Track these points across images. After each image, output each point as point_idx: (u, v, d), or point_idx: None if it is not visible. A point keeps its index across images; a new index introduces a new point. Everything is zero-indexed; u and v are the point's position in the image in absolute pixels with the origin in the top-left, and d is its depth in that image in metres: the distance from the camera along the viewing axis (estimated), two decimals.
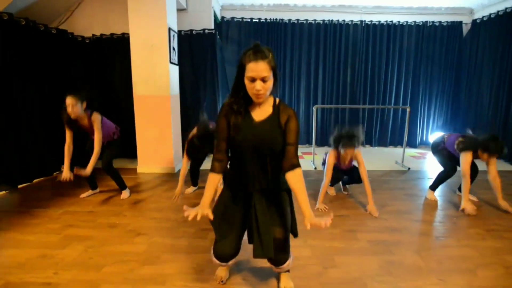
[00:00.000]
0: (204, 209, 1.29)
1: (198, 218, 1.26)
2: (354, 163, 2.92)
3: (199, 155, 3.10)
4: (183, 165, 2.79)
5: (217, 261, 1.52)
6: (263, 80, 1.22)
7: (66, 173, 2.60)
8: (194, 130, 2.69)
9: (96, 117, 2.68)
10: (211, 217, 1.30)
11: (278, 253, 1.40)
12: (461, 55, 5.71)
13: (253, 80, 1.22)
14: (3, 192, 3.16)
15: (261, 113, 1.35)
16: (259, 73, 1.20)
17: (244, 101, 1.32)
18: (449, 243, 2.15)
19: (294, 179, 1.32)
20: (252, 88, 1.24)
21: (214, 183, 1.39)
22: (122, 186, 3.04)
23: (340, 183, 3.28)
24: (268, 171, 1.38)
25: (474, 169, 2.82)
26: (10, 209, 2.78)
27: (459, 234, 2.31)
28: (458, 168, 2.80)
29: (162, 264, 1.86)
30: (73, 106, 2.53)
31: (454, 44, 5.70)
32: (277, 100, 1.38)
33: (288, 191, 1.46)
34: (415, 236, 2.26)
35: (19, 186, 3.35)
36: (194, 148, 2.69)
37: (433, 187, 3.02)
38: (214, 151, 1.40)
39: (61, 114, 2.63)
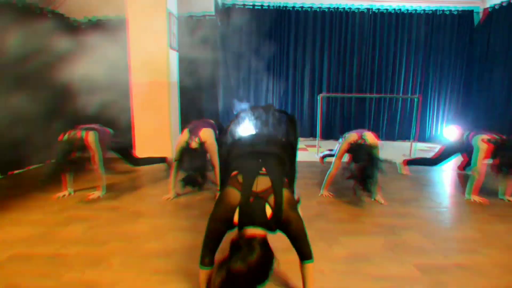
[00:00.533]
0: None
1: None
2: None
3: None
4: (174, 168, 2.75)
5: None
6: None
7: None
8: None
9: (91, 138, 2.68)
10: None
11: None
12: (472, 45, 5.87)
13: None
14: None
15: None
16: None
17: None
18: (454, 227, 2.30)
19: (304, 272, 1.37)
20: None
21: (206, 278, 1.39)
22: (162, 161, 3.51)
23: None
24: None
25: None
26: (7, 193, 2.91)
27: (464, 219, 2.45)
28: None
29: (166, 241, 1.99)
30: (89, 140, 2.68)
31: (465, 33, 5.86)
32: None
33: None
34: (421, 220, 2.39)
35: (9, 173, 3.48)
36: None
37: (410, 163, 3.36)
38: (203, 248, 1.38)
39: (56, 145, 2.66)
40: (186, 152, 2.56)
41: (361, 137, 2.68)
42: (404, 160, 3.69)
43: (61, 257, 1.78)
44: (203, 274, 1.39)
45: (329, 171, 2.89)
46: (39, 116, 3.80)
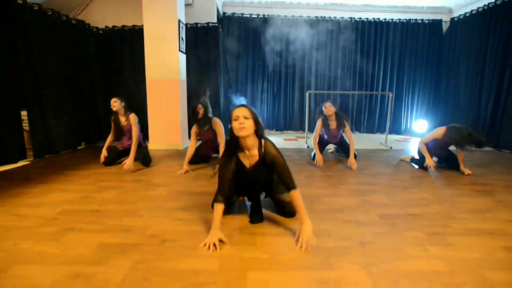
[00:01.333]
0: (217, 233, 1.62)
1: (216, 243, 1.57)
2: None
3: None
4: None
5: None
6: (244, 117, 1.65)
7: (130, 163, 3.14)
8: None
9: (133, 116, 3.34)
10: (225, 240, 1.62)
11: (290, 214, 1.97)
12: (441, 50, 6.28)
13: (236, 119, 1.66)
14: (30, 160, 3.61)
15: (250, 159, 1.80)
16: (240, 114, 1.65)
17: (236, 148, 1.77)
18: (413, 191, 2.66)
19: (292, 199, 1.73)
20: (236, 125, 1.65)
21: (220, 211, 1.71)
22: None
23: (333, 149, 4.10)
24: (263, 189, 1.98)
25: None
26: (43, 171, 3.22)
27: (423, 186, 2.82)
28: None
29: (183, 201, 2.33)
30: (114, 101, 3.29)
31: (434, 40, 6.27)
32: (263, 142, 1.75)
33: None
34: (387, 188, 2.76)
35: (46, 156, 3.79)
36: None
37: (412, 160, 3.66)
38: (217, 190, 1.75)
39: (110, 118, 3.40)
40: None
41: None
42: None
43: (101, 211, 2.11)
44: (216, 209, 1.73)
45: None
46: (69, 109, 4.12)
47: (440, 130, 3.21)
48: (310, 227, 1.66)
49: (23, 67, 3.44)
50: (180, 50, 4.33)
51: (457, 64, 5.87)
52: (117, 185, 2.72)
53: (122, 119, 3.38)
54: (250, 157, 1.81)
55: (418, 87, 6.45)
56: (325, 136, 3.73)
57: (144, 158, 3.35)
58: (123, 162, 3.19)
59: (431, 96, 6.49)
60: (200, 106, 3.21)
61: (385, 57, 6.37)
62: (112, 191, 2.54)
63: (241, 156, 1.82)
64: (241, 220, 1.99)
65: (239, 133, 1.66)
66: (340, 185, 2.79)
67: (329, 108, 3.56)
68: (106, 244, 1.65)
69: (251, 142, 1.74)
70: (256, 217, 1.92)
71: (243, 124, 1.64)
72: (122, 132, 3.43)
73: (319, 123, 3.61)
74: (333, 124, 3.62)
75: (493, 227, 1.94)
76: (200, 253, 1.57)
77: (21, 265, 1.44)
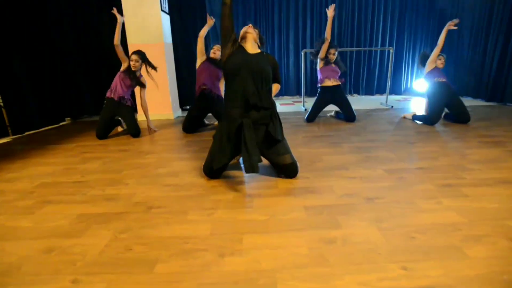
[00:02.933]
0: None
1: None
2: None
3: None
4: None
5: (207, 177, 1.88)
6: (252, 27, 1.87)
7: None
8: None
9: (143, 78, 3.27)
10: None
11: (291, 173, 1.82)
12: (444, 2, 5.83)
13: (244, 25, 1.88)
14: (10, 138, 3.37)
15: (252, 49, 1.82)
16: (249, 28, 1.86)
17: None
18: (419, 145, 2.49)
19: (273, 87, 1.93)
20: (245, 28, 1.86)
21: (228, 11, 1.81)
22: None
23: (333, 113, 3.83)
24: (260, 91, 1.73)
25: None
26: (24, 147, 3.00)
27: (429, 140, 2.64)
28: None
29: (172, 166, 2.15)
30: (136, 61, 3.11)
31: None
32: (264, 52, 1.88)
33: (277, 116, 1.85)
34: (392, 143, 2.58)
35: (26, 133, 3.55)
36: None
37: (414, 117, 3.46)
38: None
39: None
40: None
41: None
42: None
43: (83, 182, 1.93)
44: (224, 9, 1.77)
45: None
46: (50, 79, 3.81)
47: (430, 63, 3.33)
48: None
49: None
50: (162, 10, 3.93)
51: (460, 17, 5.47)
52: (102, 155, 2.52)
53: (137, 74, 3.19)
54: (252, 49, 1.84)
55: (419, 43, 6.09)
56: (322, 74, 3.50)
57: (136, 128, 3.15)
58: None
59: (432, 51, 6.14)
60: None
61: (384, 11, 5.92)
62: (96, 161, 2.34)
63: (244, 44, 1.87)
64: (236, 183, 1.81)
65: (248, 29, 1.85)
66: (341, 143, 2.60)
67: (334, 54, 3.46)
68: (86, 215, 1.48)
69: (255, 46, 1.87)
70: (250, 164, 1.62)
71: (250, 27, 1.87)
72: (129, 77, 3.12)
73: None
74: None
75: (508, 176, 1.79)
76: (190, 218, 1.40)
77: None
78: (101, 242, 1.23)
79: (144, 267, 1.06)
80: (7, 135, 3.29)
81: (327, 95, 3.49)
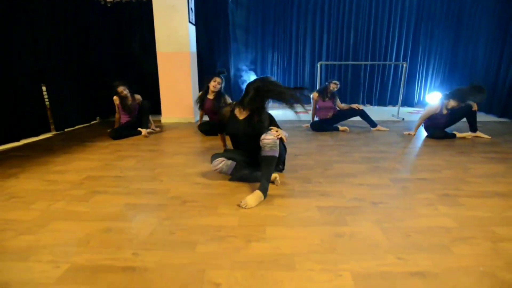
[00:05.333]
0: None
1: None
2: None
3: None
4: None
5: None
6: None
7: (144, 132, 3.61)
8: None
9: (138, 96, 3.72)
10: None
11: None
12: (460, 15, 5.95)
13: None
14: (51, 134, 3.74)
15: (241, 115, 2.08)
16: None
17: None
18: (425, 158, 2.68)
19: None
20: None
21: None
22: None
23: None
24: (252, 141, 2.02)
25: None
26: (65, 143, 3.35)
27: (435, 154, 2.83)
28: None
29: (199, 167, 2.42)
30: (124, 89, 3.56)
31: (455, 4, 5.93)
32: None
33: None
34: (399, 155, 2.79)
35: (65, 130, 3.93)
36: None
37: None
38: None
39: (113, 99, 3.59)
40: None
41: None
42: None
43: (123, 177, 2.23)
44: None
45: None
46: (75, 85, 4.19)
47: (432, 106, 3.41)
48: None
49: (42, 45, 3.49)
50: (189, 21, 4.27)
51: (476, 32, 5.60)
52: (135, 154, 2.82)
53: (129, 100, 3.62)
54: (241, 115, 2.09)
55: (434, 55, 6.22)
56: (319, 107, 3.94)
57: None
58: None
59: (446, 66, 6.27)
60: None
61: (400, 23, 6.08)
62: (131, 160, 2.65)
63: (237, 111, 2.13)
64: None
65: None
66: (352, 153, 2.83)
67: (336, 86, 3.87)
68: (132, 204, 1.77)
69: (242, 112, 2.09)
70: (237, 170, 2.05)
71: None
72: (129, 111, 3.64)
73: (315, 95, 3.94)
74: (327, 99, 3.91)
75: (505, 189, 1.98)
76: (220, 211, 1.66)
77: (58, 221, 1.57)
78: (149, 227, 1.50)
79: (187, 247, 1.33)
80: (49, 131, 3.67)
81: (327, 122, 3.94)
